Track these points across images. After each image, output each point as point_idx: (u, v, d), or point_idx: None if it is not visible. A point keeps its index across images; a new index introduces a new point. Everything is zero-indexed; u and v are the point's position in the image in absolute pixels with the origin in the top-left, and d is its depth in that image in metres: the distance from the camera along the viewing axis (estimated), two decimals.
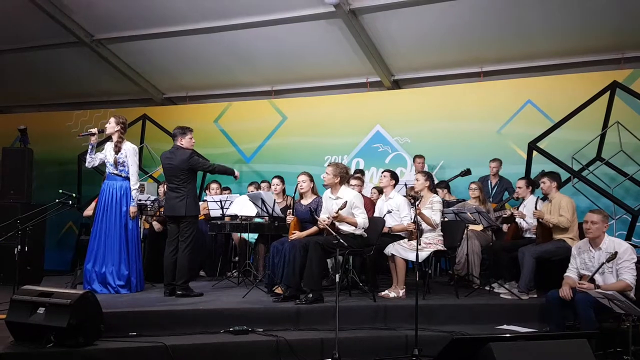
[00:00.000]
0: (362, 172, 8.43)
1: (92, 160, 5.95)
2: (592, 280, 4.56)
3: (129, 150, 5.91)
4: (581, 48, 8.21)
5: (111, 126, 5.89)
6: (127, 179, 5.92)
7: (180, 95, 11.06)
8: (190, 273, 5.76)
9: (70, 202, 6.63)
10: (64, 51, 9.91)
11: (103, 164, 6.05)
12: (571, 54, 8.36)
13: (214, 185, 7.92)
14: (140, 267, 5.96)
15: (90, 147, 5.91)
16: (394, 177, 6.43)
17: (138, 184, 6.01)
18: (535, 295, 5.67)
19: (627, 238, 6.52)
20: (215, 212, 7.00)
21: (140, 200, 6.23)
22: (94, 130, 5.90)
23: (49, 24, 8.98)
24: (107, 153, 5.90)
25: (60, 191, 6.56)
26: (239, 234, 7.26)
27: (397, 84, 9.61)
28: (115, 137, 5.89)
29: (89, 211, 7.27)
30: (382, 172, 6.58)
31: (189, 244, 5.62)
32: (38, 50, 9.96)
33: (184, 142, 5.79)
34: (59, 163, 11.13)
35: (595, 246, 4.73)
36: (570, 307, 4.63)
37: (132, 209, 5.88)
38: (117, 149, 5.87)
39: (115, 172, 5.89)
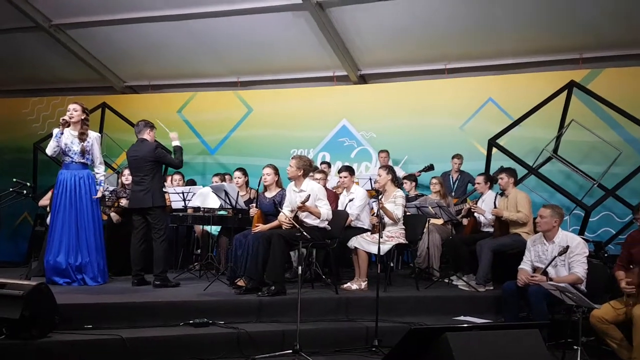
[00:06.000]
0: (328, 164, 8.47)
1: (57, 149, 5.70)
2: (545, 272, 4.70)
3: (95, 138, 5.81)
4: (541, 48, 8.43)
5: (78, 114, 5.67)
6: (89, 166, 5.81)
7: (142, 83, 10.85)
8: (166, 263, 5.76)
9: (25, 191, 6.45)
10: (20, 36, 9.62)
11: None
12: (532, 54, 8.57)
13: (176, 177, 7.82)
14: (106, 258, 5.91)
15: (59, 134, 5.63)
16: (352, 172, 6.50)
17: (105, 172, 5.96)
18: (492, 288, 5.84)
19: (580, 233, 6.74)
20: (177, 204, 6.93)
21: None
22: (67, 117, 5.67)
23: (4, 7, 8.68)
24: (68, 141, 5.64)
25: (15, 180, 6.38)
26: (201, 226, 7.20)
27: (363, 79, 9.68)
28: (80, 125, 5.70)
29: (45, 201, 7.09)
30: (340, 174, 6.48)
31: (163, 235, 5.65)
32: None
33: (150, 135, 5.79)
34: (14, 151, 10.83)
35: (549, 240, 4.87)
36: (524, 298, 4.78)
37: (101, 189, 5.83)
38: (84, 137, 5.69)
39: (82, 160, 5.71)
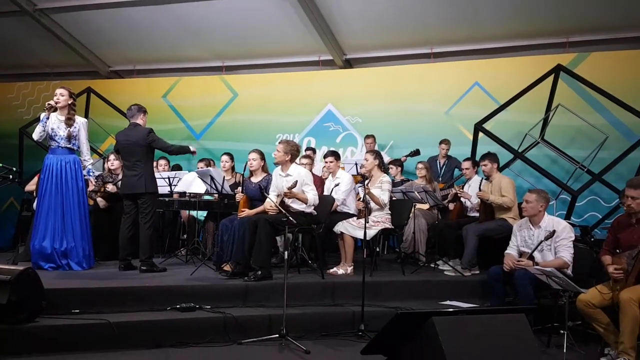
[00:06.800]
0: (313, 150, 8.43)
1: (44, 133, 5.63)
2: (531, 257, 4.73)
3: (82, 123, 5.74)
4: (528, 31, 8.41)
5: (65, 98, 5.61)
6: (76, 152, 5.74)
7: (127, 68, 10.74)
8: (152, 248, 5.75)
9: (11, 176, 6.39)
10: (5, 20, 9.44)
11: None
12: (518, 37, 8.55)
13: (162, 162, 7.76)
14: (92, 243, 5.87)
15: (45, 119, 5.57)
16: (338, 158, 6.49)
17: (91, 159, 5.90)
18: (477, 272, 5.86)
19: (567, 217, 6.77)
20: (163, 189, 6.87)
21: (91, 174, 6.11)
22: (53, 102, 5.60)
23: None
24: (55, 126, 5.59)
25: (1, 165, 6.31)
26: (187, 212, 7.16)
27: (349, 63, 9.62)
28: (67, 110, 5.64)
29: (31, 186, 7.02)
30: (326, 159, 6.48)
31: (149, 221, 5.60)
32: None
33: (143, 120, 5.74)
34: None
35: (535, 224, 4.89)
36: (510, 283, 4.80)
37: (93, 180, 5.87)
38: (71, 122, 5.63)
39: (69, 145, 5.65)
